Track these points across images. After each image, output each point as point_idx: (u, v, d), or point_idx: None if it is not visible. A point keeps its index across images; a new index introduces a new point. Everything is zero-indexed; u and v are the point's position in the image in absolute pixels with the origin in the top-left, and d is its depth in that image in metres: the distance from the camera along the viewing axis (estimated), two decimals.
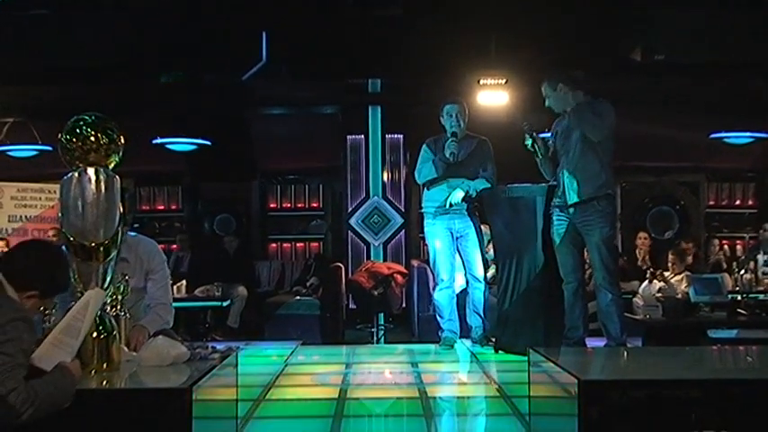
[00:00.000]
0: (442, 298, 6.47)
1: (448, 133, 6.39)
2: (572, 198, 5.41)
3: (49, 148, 9.53)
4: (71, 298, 3.08)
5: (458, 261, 6.55)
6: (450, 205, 6.30)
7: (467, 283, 6.54)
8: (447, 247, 6.41)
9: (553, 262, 5.70)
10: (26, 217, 9.29)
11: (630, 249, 9.39)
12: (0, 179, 9.34)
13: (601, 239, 5.36)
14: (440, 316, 6.52)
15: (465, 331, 6.58)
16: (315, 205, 12.01)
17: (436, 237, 6.43)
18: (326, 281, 8.70)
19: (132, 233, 4.04)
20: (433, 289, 6.70)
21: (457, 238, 6.43)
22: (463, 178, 6.35)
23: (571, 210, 5.44)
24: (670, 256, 7.20)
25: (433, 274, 6.68)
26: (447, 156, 6.29)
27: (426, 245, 7.02)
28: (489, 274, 7.62)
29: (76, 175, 3.09)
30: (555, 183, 5.65)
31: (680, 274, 6.82)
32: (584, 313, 5.60)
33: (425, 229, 6.55)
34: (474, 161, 6.40)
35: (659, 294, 6.35)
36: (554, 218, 5.59)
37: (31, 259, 2.80)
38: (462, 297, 6.67)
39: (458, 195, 6.29)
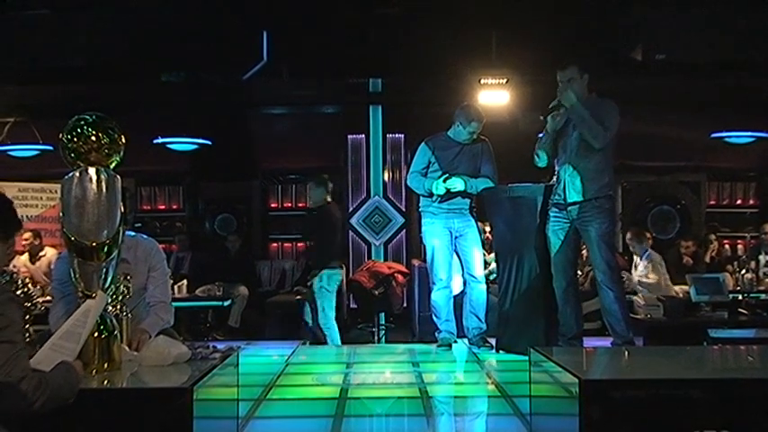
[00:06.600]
0: (440, 298, 6.35)
1: (457, 137, 6.30)
2: (572, 197, 5.37)
3: (50, 148, 9.54)
4: (76, 297, 3.08)
5: (455, 261, 6.41)
6: (448, 192, 6.20)
7: (464, 283, 6.41)
8: (446, 247, 6.29)
9: None
10: (27, 217, 9.25)
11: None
12: (1, 179, 9.31)
13: (599, 235, 5.30)
14: (436, 317, 6.40)
15: (461, 331, 6.47)
16: None
17: (435, 236, 6.30)
18: None
19: (131, 233, 4.00)
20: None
21: (456, 237, 6.32)
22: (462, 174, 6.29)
23: (570, 208, 5.41)
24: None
25: (430, 274, 6.51)
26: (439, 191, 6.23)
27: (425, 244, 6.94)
28: (486, 272, 7.61)
29: (77, 174, 3.08)
30: (554, 179, 5.62)
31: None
32: (576, 311, 5.58)
33: (423, 229, 6.41)
34: (470, 164, 6.31)
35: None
36: (551, 215, 5.53)
37: None
38: (459, 297, 6.52)
39: (457, 184, 6.19)
